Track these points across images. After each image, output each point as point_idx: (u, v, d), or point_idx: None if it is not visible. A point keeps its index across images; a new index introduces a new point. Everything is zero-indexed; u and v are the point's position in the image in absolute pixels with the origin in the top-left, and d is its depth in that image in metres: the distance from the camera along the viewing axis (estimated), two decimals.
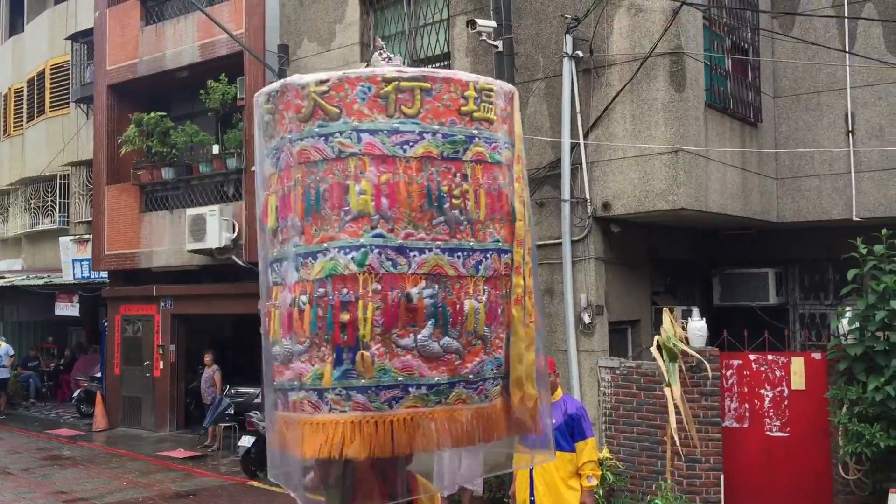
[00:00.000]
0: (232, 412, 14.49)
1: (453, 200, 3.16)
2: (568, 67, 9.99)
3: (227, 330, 18.89)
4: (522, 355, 3.32)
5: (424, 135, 3.12)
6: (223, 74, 14.79)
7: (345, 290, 2.97)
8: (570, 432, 5.90)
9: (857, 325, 8.33)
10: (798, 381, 8.94)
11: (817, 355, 8.97)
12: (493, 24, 9.88)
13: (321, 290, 3.01)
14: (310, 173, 3.07)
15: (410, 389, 3.03)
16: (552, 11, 10.37)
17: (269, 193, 3.27)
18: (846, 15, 10.89)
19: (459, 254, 3.12)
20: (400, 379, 3.01)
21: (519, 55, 10.45)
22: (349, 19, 12.58)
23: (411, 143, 3.09)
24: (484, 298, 3.17)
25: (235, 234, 14.45)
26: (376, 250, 2.99)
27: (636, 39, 9.74)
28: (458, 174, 3.16)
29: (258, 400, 14.67)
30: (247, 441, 12.46)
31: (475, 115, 3.23)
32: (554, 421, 5.93)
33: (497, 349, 3.22)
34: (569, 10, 10.11)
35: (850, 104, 11.02)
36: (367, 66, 3.40)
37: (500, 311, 3.23)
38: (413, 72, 3.16)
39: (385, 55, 3.42)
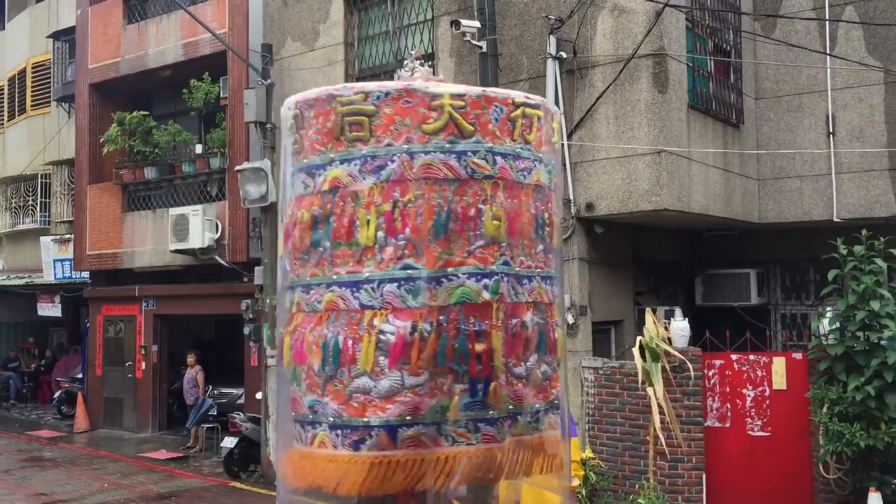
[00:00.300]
0: (215, 413, 14.42)
1: (547, 229, 3.15)
2: (552, 68, 10.02)
3: (209, 330, 18.81)
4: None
5: (536, 163, 3.09)
6: (206, 74, 14.72)
7: (477, 319, 2.86)
8: None
9: (838, 325, 8.39)
10: (779, 380, 9.00)
11: (798, 355, 9.03)
12: (477, 24, 9.88)
13: (451, 317, 2.84)
14: (438, 191, 2.87)
15: (519, 418, 2.98)
16: (536, 12, 10.39)
17: (344, 204, 2.94)
18: (827, 17, 10.97)
19: (550, 281, 3.13)
20: (511, 408, 2.94)
21: (503, 56, 10.46)
22: (333, 19, 12.55)
23: (529, 171, 3.06)
24: (561, 325, 3.22)
25: (218, 234, 14.38)
26: (505, 278, 2.93)
27: (619, 41, 9.78)
28: (549, 202, 3.17)
29: (241, 401, 14.61)
30: (229, 442, 12.40)
31: (555, 145, 3.26)
32: None
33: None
34: (553, 11, 10.14)
35: (831, 106, 11.11)
36: (396, 77, 3.33)
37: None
38: (536, 99, 3.14)
39: (409, 66, 3.29)
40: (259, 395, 12.63)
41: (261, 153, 12.78)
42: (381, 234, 2.84)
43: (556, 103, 10.03)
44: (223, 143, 14.68)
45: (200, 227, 14.17)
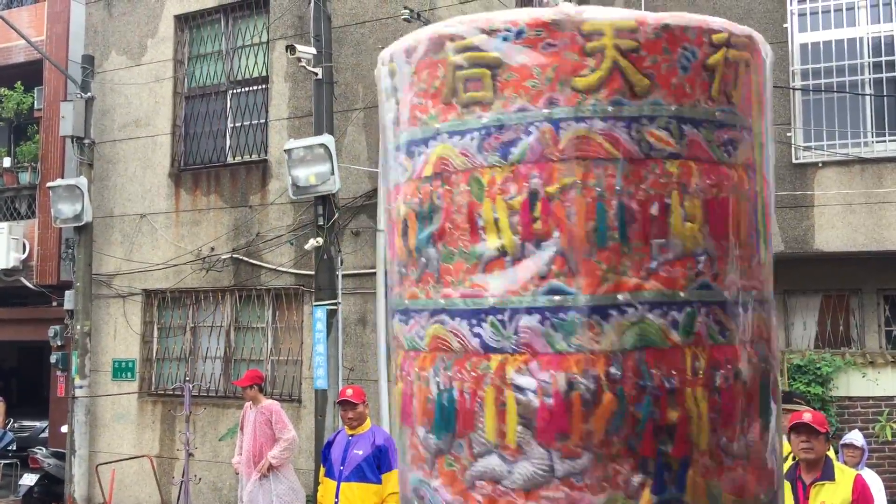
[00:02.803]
0: (14, 448, 13.34)
1: (764, 229, 2.17)
2: None
3: (11, 358, 17.44)
4: None
5: (745, 132, 2.11)
6: (19, 83, 13.83)
7: (664, 371, 1.88)
8: (378, 463, 5.86)
9: None
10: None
11: None
12: (312, 51, 9.82)
13: (628, 368, 1.87)
14: (599, 177, 1.90)
15: None
16: (373, 43, 10.47)
17: (455, 195, 1.93)
18: None
19: (766, 307, 2.12)
20: None
21: (339, 84, 10.45)
22: (162, 34, 12.10)
23: (734, 145, 2.07)
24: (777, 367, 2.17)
25: (26, 254, 13.42)
26: (703, 310, 1.94)
27: None
28: (766, 190, 2.22)
29: (44, 434, 13.60)
30: (29, 479, 11.54)
31: (768, 101, 2.31)
32: (361, 452, 5.88)
33: None
34: (389, 42, 10.22)
35: None
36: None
37: None
38: (743, 32, 2.10)
39: None
40: (65, 429, 11.81)
41: (77, 170, 12.08)
42: (514, 239, 1.91)
43: None
44: (35, 158, 13.78)
45: (5, 246, 13.18)
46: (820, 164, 9.69)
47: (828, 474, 4.61)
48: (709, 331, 1.93)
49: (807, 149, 9.89)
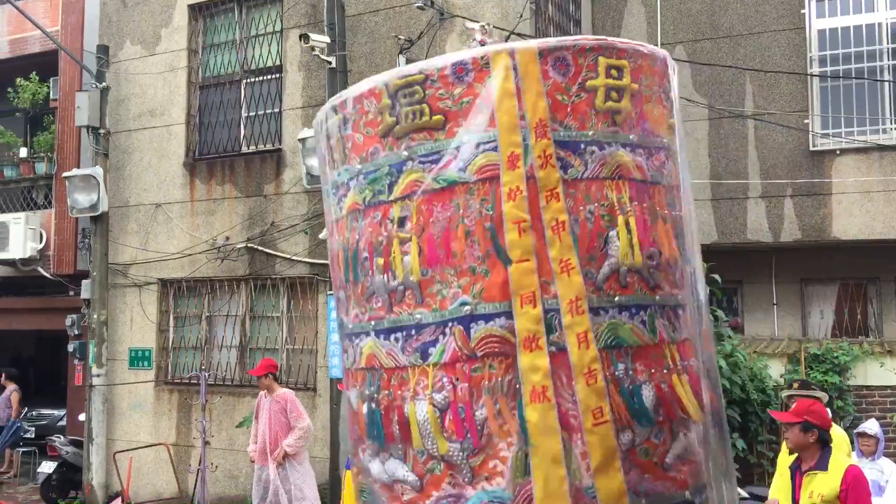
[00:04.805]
0: (31, 436, 13.47)
1: (378, 260, 2.43)
2: None
3: (29, 347, 17.57)
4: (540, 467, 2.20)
5: (349, 182, 2.49)
6: (35, 73, 13.87)
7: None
8: None
9: None
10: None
11: None
12: (326, 39, 9.80)
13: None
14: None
15: None
16: (386, 31, 10.43)
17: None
18: None
19: (398, 335, 2.38)
20: None
21: (353, 72, 10.42)
22: (177, 24, 12.11)
23: (342, 198, 2.54)
24: (439, 397, 2.25)
25: (43, 244, 13.48)
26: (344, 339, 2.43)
27: None
28: (384, 220, 2.43)
29: (62, 423, 13.72)
30: (47, 467, 11.62)
31: (396, 129, 2.38)
32: None
33: (486, 478, 2.20)
34: (402, 31, 10.21)
35: None
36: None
37: (476, 414, 2.22)
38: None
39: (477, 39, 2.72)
40: (82, 417, 11.90)
41: (92, 159, 12.12)
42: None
43: None
44: (51, 148, 13.84)
45: (22, 236, 13.24)
46: (838, 152, 9.60)
47: (821, 464, 4.60)
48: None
49: (824, 136, 9.80)
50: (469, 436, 2.05)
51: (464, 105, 2.17)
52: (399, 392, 2.10)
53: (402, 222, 2.16)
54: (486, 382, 2.08)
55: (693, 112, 11.54)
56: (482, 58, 2.22)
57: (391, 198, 2.20)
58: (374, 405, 2.13)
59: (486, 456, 2.05)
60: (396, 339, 2.15)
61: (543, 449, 2.01)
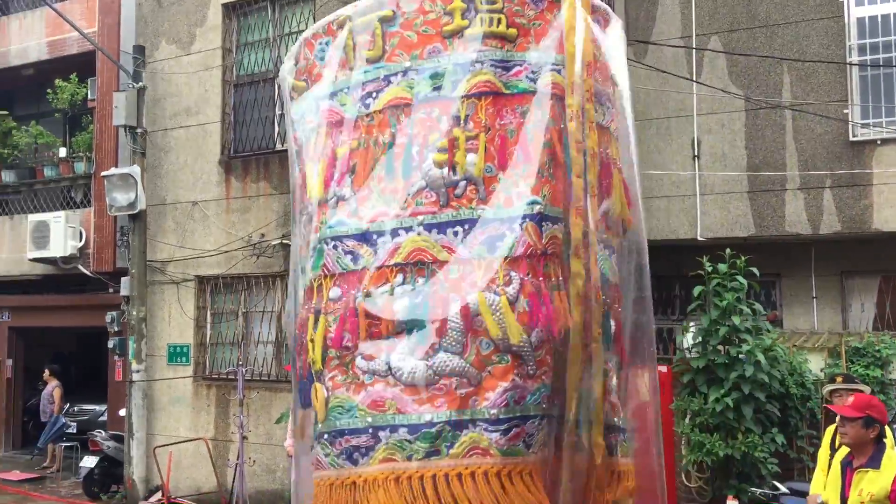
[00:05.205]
0: (73, 431, 13.71)
1: (437, 155, 2.29)
2: None
3: (70, 344, 17.88)
4: (584, 385, 2.19)
5: (390, 79, 2.38)
6: (73, 74, 14.08)
7: (306, 306, 2.44)
8: None
9: (701, 339, 8.76)
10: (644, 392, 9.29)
11: (663, 368, 9.36)
12: None
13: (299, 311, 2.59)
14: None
15: (381, 435, 2.08)
16: None
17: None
18: (694, 46, 11.51)
19: (458, 228, 2.23)
20: (369, 420, 2.07)
21: None
22: (211, 23, 12.22)
23: (375, 95, 2.39)
24: (512, 290, 2.18)
25: (82, 242, 13.71)
26: (332, 243, 2.29)
27: None
28: (444, 117, 2.31)
29: (103, 418, 13.94)
30: (89, 461, 11.82)
31: (467, 32, 2.36)
32: None
33: (544, 372, 2.18)
34: None
35: (697, 130, 11.63)
36: None
37: (545, 309, 2.20)
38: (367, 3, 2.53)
39: None
40: (123, 412, 12.09)
41: (130, 158, 12.29)
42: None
43: None
44: (89, 147, 14.04)
45: (63, 234, 13.47)
46: (878, 142, 9.42)
47: (874, 462, 4.48)
48: (337, 261, 2.30)
49: (864, 126, 9.62)
50: (538, 329, 2.11)
51: (535, 26, 2.32)
52: (461, 283, 2.07)
53: (466, 120, 2.21)
54: (553, 280, 2.18)
55: (729, 103, 11.38)
56: None
57: (455, 94, 2.24)
58: (420, 298, 2.06)
59: (545, 350, 2.10)
60: (455, 234, 2.16)
61: (577, 354, 2.13)
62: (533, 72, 2.33)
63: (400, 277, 2.10)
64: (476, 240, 2.14)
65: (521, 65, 2.30)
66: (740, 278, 8.62)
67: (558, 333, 2.16)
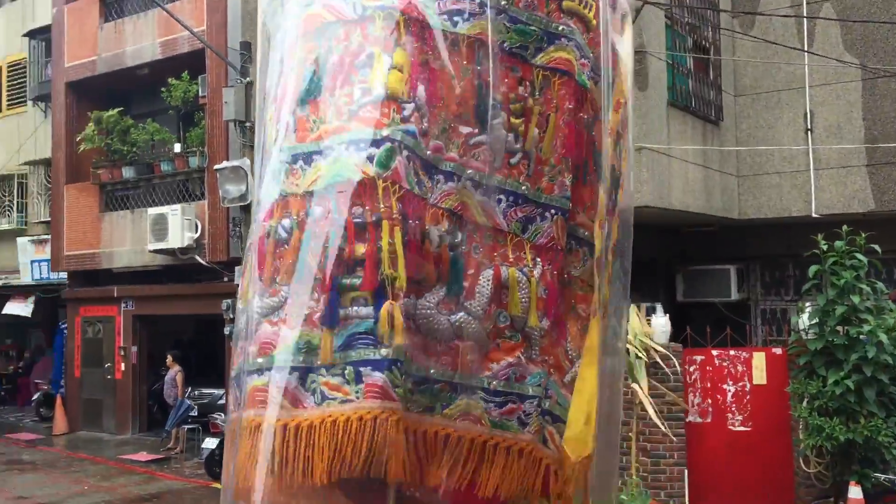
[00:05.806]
0: (195, 414, 14.32)
1: (514, 119, 2.10)
2: None
3: (189, 331, 18.67)
4: (582, 401, 2.16)
5: (485, 8, 2.09)
6: (185, 72, 14.61)
7: (358, 206, 1.95)
8: None
9: (817, 320, 8.45)
10: (759, 375, 9.05)
11: (778, 350, 9.08)
12: None
13: (317, 208, 2.00)
14: (318, 45, 2.10)
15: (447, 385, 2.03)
16: None
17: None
18: (805, 14, 11.04)
19: (501, 197, 2.09)
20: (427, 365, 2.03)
21: None
22: None
23: (466, 16, 2.07)
24: (536, 273, 2.08)
25: (198, 233, 14.28)
26: (406, 152, 1.98)
27: None
28: (525, 81, 2.11)
29: (222, 401, 14.51)
30: (211, 443, 12.32)
31: (565, 4, 2.17)
32: None
33: (544, 360, 2.11)
34: None
35: (809, 103, 11.18)
36: None
37: (559, 305, 2.11)
38: None
39: None
40: None
41: (240, 152, 12.70)
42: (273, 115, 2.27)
43: None
44: (202, 142, 14.58)
45: (180, 226, 14.07)
46: None
47: None
48: (407, 175, 1.95)
49: None
50: (551, 319, 2.05)
51: (591, 17, 2.22)
52: (495, 252, 2.01)
53: (541, 92, 2.06)
54: (565, 276, 2.12)
55: (844, 73, 10.88)
56: None
57: (535, 61, 2.07)
58: (456, 253, 1.95)
59: (550, 340, 2.07)
60: (499, 201, 2.04)
61: (584, 376, 2.14)
62: (592, 69, 2.18)
63: (447, 224, 1.96)
64: (514, 216, 2.05)
65: (587, 58, 2.15)
66: (859, 255, 8.26)
67: (574, 338, 2.18)
